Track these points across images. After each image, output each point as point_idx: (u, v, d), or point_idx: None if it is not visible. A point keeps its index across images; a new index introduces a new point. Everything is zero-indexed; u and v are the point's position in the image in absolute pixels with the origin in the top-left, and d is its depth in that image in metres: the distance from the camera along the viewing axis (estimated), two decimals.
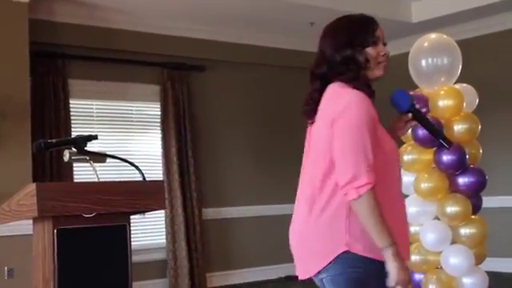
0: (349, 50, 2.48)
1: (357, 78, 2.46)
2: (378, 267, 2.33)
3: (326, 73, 2.53)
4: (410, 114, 2.55)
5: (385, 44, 2.55)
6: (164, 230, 7.44)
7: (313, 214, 2.44)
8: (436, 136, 2.49)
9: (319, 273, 2.44)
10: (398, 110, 2.56)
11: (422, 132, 4.10)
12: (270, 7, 7.23)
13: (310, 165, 2.54)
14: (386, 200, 2.35)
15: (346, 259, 2.36)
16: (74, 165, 6.53)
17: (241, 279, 7.89)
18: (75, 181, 6.67)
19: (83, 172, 6.49)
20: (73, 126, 6.90)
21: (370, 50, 2.49)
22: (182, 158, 7.51)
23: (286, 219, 9.01)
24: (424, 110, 2.54)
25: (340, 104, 2.40)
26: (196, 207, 7.56)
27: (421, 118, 2.52)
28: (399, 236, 2.38)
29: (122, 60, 7.24)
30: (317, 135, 2.51)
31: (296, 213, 2.59)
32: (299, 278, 2.52)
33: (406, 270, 2.32)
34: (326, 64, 2.53)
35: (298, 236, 2.56)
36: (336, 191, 2.38)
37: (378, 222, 2.29)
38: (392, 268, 2.28)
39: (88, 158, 2.91)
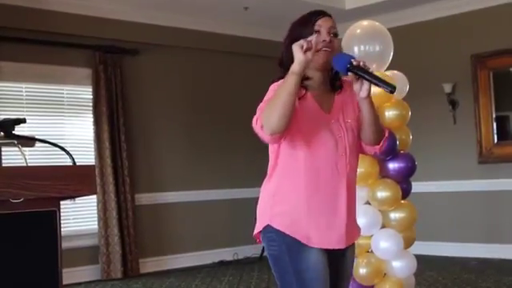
0: (289, 46, 2.59)
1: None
2: (291, 244, 2.59)
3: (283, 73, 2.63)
4: (349, 74, 2.54)
5: (334, 34, 2.63)
6: (96, 215, 7.35)
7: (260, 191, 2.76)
8: (378, 84, 2.48)
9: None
10: (340, 73, 2.60)
11: None
12: None
13: None
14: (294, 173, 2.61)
15: (268, 236, 2.65)
16: (2, 149, 6.37)
17: (174, 265, 7.87)
18: (3, 165, 6.50)
19: (11, 157, 6.34)
20: (1, 109, 6.72)
21: None
22: (114, 142, 7.42)
23: (220, 204, 9.09)
24: (364, 64, 2.51)
25: None
26: (129, 192, 7.50)
27: (360, 73, 2.50)
28: (300, 202, 2.60)
29: (53, 42, 7.09)
30: None
31: None
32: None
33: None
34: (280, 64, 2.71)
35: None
36: (269, 174, 2.67)
37: (273, 100, 2.49)
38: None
39: (16, 141, 2.84)
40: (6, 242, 2.40)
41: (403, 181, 4.40)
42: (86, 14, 7.29)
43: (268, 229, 2.64)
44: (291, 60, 2.54)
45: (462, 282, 6.28)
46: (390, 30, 4.55)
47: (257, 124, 2.51)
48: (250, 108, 2.89)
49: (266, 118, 2.47)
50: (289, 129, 2.52)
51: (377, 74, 2.50)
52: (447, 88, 7.84)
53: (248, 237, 2.74)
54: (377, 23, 4.53)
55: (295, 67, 2.46)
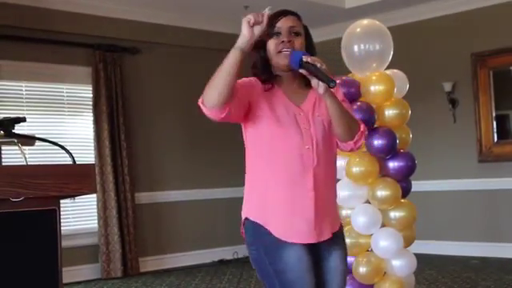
0: (255, 50, 2.64)
1: (261, 74, 2.66)
2: (267, 244, 2.59)
3: None
4: (302, 70, 2.54)
5: (296, 33, 2.64)
6: (96, 214, 7.35)
7: None
8: (319, 77, 2.48)
9: None
10: (295, 69, 2.59)
11: None
12: None
13: None
14: (268, 171, 2.63)
15: (247, 238, 2.68)
16: (2, 148, 6.37)
17: (174, 264, 7.87)
18: (3, 164, 6.50)
19: (11, 155, 6.33)
20: (1, 107, 6.72)
21: (269, 43, 2.64)
22: (114, 141, 7.42)
23: (220, 203, 9.07)
24: (312, 60, 2.50)
25: None
26: (129, 191, 7.50)
27: (308, 68, 2.51)
28: (275, 200, 2.61)
29: (53, 41, 7.09)
30: None
31: None
32: None
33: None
34: None
35: None
36: (246, 165, 2.73)
37: (215, 75, 2.55)
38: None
39: (16, 140, 2.84)
40: (6, 241, 2.40)
41: (403, 180, 4.40)
42: (85, 12, 7.29)
43: (247, 224, 2.67)
44: (258, 63, 2.66)
45: (462, 280, 6.28)
46: (389, 28, 4.55)
47: (200, 99, 2.53)
48: None
49: (207, 92, 2.50)
50: (254, 120, 2.60)
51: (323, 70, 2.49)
52: (447, 87, 7.84)
53: None
54: (377, 22, 4.53)
55: (239, 41, 2.48)
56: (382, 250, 4.29)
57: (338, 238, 2.74)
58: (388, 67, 4.51)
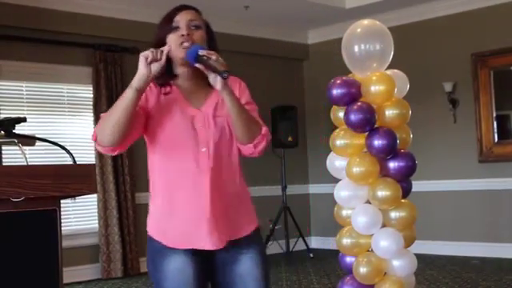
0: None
1: (159, 77, 2.51)
2: (156, 252, 2.52)
3: None
4: (198, 65, 2.47)
5: (196, 27, 2.61)
6: (96, 214, 7.35)
7: None
8: (215, 71, 2.41)
9: None
10: (191, 65, 2.52)
11: (354, 117, 4.15)
12: None
13: None
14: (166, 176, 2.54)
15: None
16: (3, 148, 6.38)
17: None
18: (3, 164, 6.51)
19: (11, 155, 6.34)
20: (1, 108, 6.72)
21: (169, 38, 2.56)
22: None
23: None
24: (208, 53, 2.46)
25: None
26: (129, 191, 7.50)
27: (205, 63, 2.45)
28: (172, 206, 2.50)
29: (53, 41, 7.09)
30: None
31: None
32: None
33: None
34: None
35: None
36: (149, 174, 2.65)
37: (109, 113, 2.41)
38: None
39: (17, 140, 2.84)
40: (7, 241, 2.40)
41: (403, 180, 4.39)
42: (85, 12, 7.29)
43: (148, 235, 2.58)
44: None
45: (463, 280, 6.28)
46: (390, 29, 4.54)
47: (93, 134, 2.44)
48: None
49: (100, 130, 2.42)
50: (149, 127, 2.56)
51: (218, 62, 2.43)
52: (448, 87, 7.84)
53: None
54: (377, 22, 4.51)
55: (134, 81, 2.39)
56: (383, 250, 4.28)
57: (249, 241, 2.58)
58: (388, 67, 4.50)
